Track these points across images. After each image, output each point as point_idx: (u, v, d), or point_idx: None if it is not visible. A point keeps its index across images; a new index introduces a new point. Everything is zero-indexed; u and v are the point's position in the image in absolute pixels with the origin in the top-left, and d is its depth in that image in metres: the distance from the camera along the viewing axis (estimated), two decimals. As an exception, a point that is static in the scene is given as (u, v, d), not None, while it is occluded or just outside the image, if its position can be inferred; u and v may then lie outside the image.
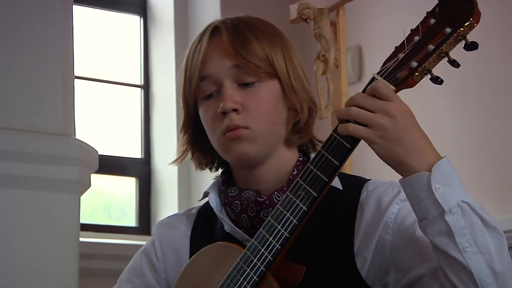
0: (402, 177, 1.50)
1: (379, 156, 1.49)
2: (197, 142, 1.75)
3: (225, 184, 1.74)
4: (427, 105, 3.44)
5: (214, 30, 1.69)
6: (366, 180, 1.71)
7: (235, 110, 1.64)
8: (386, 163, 1.50)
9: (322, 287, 1.61)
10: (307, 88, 1.72)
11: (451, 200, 1.45)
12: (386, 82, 1.50)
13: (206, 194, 1.77)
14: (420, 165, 1.46)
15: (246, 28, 1.68)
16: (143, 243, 3.63)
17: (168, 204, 3.86)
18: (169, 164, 1.83)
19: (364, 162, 1.56)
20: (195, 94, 1.69)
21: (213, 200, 1.73)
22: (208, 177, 4.08)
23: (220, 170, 1.79)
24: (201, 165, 1.78)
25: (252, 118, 1.64)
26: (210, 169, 1.79)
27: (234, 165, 1.71)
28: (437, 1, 1.50)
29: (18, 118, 2.66)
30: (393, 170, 1.51)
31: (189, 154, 1.78)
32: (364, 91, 1.51)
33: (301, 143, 1.73)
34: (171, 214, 1.87)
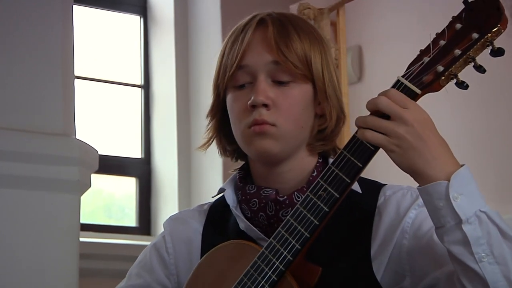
0: (419, 184, 1.49)
1: (396, 164, 1.48)
2: (223, 130, 1.74)
3: (242, 181, 1.73)
4: (428, 105, 3.44)
5: (260, 22, 1.68)
6: (383, 185, 1.71)
7: (265, 105, 1.63)
8: (403, 171, 1.49)
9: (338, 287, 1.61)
10: (339, 96, 1.71)
11: (468, 210, 1.45)
12: (412, 85, 1.49)
13: (221, 190, 1.75)
14: (437, 173, 1.46)
15: (290, 26, 1.67)
16: (143, 243, 3.64)
17: (168, 204, 3.86)
18: (196, 149, 1.81)
19: (376, 164, 1.56)
20: (227, 82, 1.68)
21: (230, 197, 1.72)
22: (209, 178, 4.09)
23: (239, 161, 1.78)
24: (226, 153, 1.77)
25: (280, 116, 1.64)
26: (232, 158, 1.78)
27: (253, 159, 1.70)
28: (463, 6, 1.50)
29: (18, 118, 2.66)
30: (403, 174, 1.51)
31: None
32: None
33: (324, 150, 1.72)
34: (182, 210, 1.86)
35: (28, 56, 2.68)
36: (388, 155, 1.48)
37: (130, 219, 3.94)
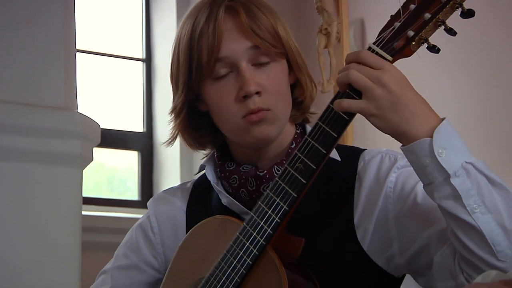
0: (402, 144, 1.48)
1: (378, 128, 1.47)
2: (189, 125, 1.73)
3: (220, 159, 1.73)
4: (428, 80, 3.43)
5: (227, 8, 1.64)
6: (362, 150, 1.70)
7: (257, 93, 1.61)
8: (386, 133, 1.48)
9: (322, 259, 1.60)
10: (306, 63, 1.71)
11: (455, 163, 1.44)
12: (383, 52, 1.48)
13: (202, 167, 1.76)
14: (420, 131, 1.45)
15: (253, 6, 1.65)
16: (146, 216, 3.63)
17: (170, 177, 3.86)
18: (162, 145, 1.81)
19: (365, 131, 1.54)
20: (205, 76, 1.65)
21: (210, 173, 1.73)
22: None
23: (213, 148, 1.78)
24: (194, 147, 1.76)
25: (272, 99, 1.63)
26: (204, 149, 1.77)
27: (246, 146, 1.69)
28: None
29: (20, 92, 2.66)
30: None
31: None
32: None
33: (303, 118, 1.73)
34: (165, 189, 1.87)
35: (30, 30, 2.68)
36: (369, 120, 1.46)
37: (132, 193, 3.95)
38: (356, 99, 1.46)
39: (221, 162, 1.72)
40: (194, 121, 1.73)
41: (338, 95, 1.49)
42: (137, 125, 4.02)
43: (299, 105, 1.71)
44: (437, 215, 1.52)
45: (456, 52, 3.43)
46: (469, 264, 1.47)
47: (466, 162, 1.44)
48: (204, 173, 1.75)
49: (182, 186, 1.83)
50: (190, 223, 1.72)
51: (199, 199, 1.77)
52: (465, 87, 3.51)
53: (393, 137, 1.48)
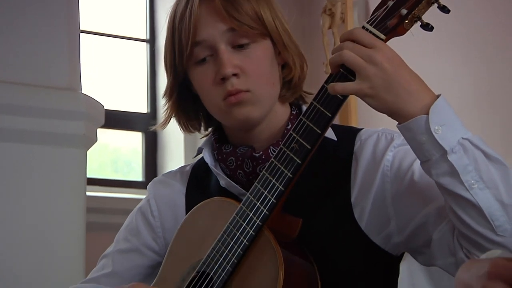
0: (398, 122, 1.47)
1: (373, 108, 1.47)
2: (181, 108, 1.75)
3: (218, 142, 1.74)
4: (430, 60, 3.43)
5: None
6: (359, 130, 1.70)
7: (235, 74, 1.62)
8: (383, 113, 1.48)
9: (320, 239, 1.61)
10: (295, 42, 1.71)
11: (451, 139, 1.43)
12: (377, 30, 1.48)
13: (200, 150, 1.77)
14: (415, 109, 1.44)
15: None
16: (150, 197, 3.63)
17: (174, 158, 3.87)
18: (152, 129, 1.82)
19: (370, 110, 1.54)
20: (186, 60, 1.67)
21: (208, 156, 1.73)
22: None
23: (209, 130, 1.79)
24: (188, 129, 1.78)
25: (252, 81, 1.63)
26: (198, 131, 1.79)
27: (233, 128, 1.70)
28: None
29: (24, 73, 2.66)
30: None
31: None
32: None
33: (294, 98, 1.73)
34: (165, 172, 1.88)
35: (34, 10, 2.68)
36: (364, 101, 1.47)
37: (136, 174, 3.96)
38: (350, 78, 1.47)
39: (219, 144, 1.73)
40: (186, 104, 1.74)
41: (333, 75, 1.49)
42: (141, 106, 4.02)
43: (289, 84, 1.71)
44: (435, 192, 1.52)
45: (456, 30, 3.42)
46: (468, 240, 1.47)
47: (462, 138, 1.44)
48: (202, 156, 1.76)
49: (181, 169, 1.84)
50: (189, 205, 1.73)
51: (198, 182, 1.77)
52: (466, 64, 3.50)
53: (389, 116, 1.48)
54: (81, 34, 2.86)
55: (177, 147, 3.89)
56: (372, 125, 1.89)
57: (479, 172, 1.43)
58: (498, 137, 3.34)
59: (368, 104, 1.47)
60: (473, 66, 3.49)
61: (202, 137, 1.79)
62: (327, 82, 1.49)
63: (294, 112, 1.71)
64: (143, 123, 3.96)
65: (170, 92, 1.74)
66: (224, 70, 1.61)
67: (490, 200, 1.43)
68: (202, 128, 1.79)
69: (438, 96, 1.45)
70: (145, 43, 4.10)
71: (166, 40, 1.73)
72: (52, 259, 2.63)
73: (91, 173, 3.43)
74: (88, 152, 2.78)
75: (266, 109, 1.67)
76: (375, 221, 1.61)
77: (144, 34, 4.10)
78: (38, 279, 2.61)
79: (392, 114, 1.47)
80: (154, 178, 1.87)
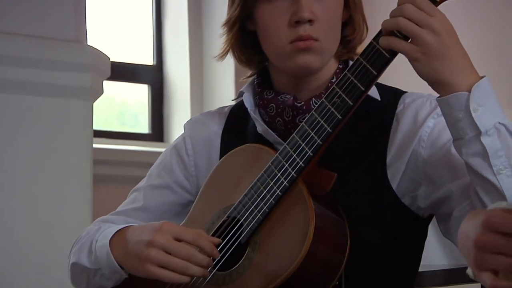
0: (439, 95, 1.48)
1: (418, 73, 1.47)
2: (240, 41, 1.73)
3: (260, 87, 1.73)
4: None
5: None
6: (403, 92, 1.70)
7: (309, 20, 1.61)
8: (425, 81, 1.48)
9: (352, 194, 1.62)
10: (362, 2, 1.71)
11: (488, 121, 1.44)
12: None
13: (241, 94, 1.76)
14: (460, 84, 1.44)
15: None
16: (156, 149, 3.66)
17: (180, 111, 3.87)
18: (214, 58, 1.80)
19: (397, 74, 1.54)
20: None
21: (248, 100, 1.73)
22: (221, 84, 4.09)
23: (248, 74, 1.78)
24: (242, 62, 1.77)
25: (323, 30, 1.62)
26: (251, 68, 1.77)
27: (286, 73, 1.69)
28: None
29: (29, 24, 2.65)
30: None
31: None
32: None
33: (348, 57, 1.72)
34: (203, 112, 1.87)
35: (39, -39, 2.66)
36: (412, 64, 1.46)
37: (143, 126, 3.96)
38: (401, 39, 1.45)
39: (261, 89, 1.72)
40: (245, 38, 1.72)
41: (381, 34, 1.48)
42: (147, 58, 4.01)
43: (347, 44, 1.71)
44: (465, 171, 1.51)
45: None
46: None
47: (499, 122, 1.45)
48: (242, 100, 1.75)
49: (219, 110, 1.83)
50: (224, 148, 1.74)
51: (234, 125, 1.77)
52: (478, 19, 3.48)
53: (431, 86, 1.48)
54: (87, -14, 2.84)
55: (184, 99, 3.88)
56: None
57: (510, 159, 1.44)
58: (506, 91, 3.33)
59: (415, 68, 1.46)
60: (484, 17, 3.47)
61: (243, 79, 1.78)
62: (375, 39, 1.48)
63: (340, 66, 1.70)
64: (149, 76, 3.95)
65: (232, 24, 1.71)
66: (302, 13, 1.60)
67: None
68: (253, 67, 1.76)
69: (482, 77, 1.45)
70: (151, -5, 4.07)
71: None
72: (59, 211, 2.64)
73: (98, 126, 3.43)
74: (95, 104, 2.78)
75: (325, 62, 1.66)
76: (406, 183, 1.62)
77: (150, -15, 4.07)
78: (45, 231, 2.62)
79: (436, 84, 1.47)
80: (192, 117, 1.86)
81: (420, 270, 1.73)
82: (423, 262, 1.73)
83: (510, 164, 1.44)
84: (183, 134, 1.82)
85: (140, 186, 1.82)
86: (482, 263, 1.08)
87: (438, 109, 1.60)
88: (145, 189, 1.81)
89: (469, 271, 1.14)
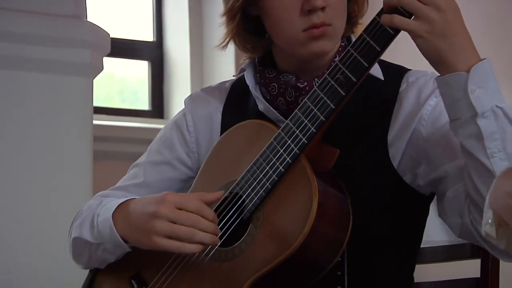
0: (440, 74, 1.47)
1: (421, 51, 1.46)
2: (244, 30, 1.70)
3: (261, 65, 1.72)
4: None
5: None
6: (407, 70, 1.69)
7: (322, 8, 1.59)
8: (427, 59, 1.47)
9: (354, 172, 1.61)
10: None
11: (485, 104, 1.43)
12: None
13: (242, 71, 1.75)
14: (461, 64, 1.44)
15: None
16: (156, 126, 3.66)
17: (180, 87, 3.86)
18: (215, 47, 1.77)
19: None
20: None
21: (249, 78, 1.72)
22: (221, 61, 4.08)
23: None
24: (246, 51, 1.74)
25: (335, 15, 1.61)
26: (254, 54, 1.75)
27: (299, 58, 1.66)
28: None
29: (29, 0, 2.64)
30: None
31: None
32: None
33: (350, 32, 1.71)
34: (204, 87, 1.85)
35: None
36: (415, 41, 1.45)
37: (143, 103, 3.95)
38: (405, 15, 1.44)
39: (262, 67, 1.71)
40: (248, 25, 1.70)
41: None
42: (147, 35, 3.99)
43: (350, 20, 1.70)
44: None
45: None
46: (477, 207, 1.48)
47: (496, 105, 1.44)
48: (243, 76, 1.73)
49: (220, 85, 1.82)
50: (225, 124, 1.73)
51: (235, 101, 1.76)
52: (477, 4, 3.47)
53: (432, 64, 1.47)
54: (86, -39, 2.82)
55: (184, 76, 3.87)
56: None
57: (504, 142, 1.43)
58: (507, 65, 3.32)
59: (418, 46, 1.45)
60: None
61: (244, 59, 1.76)
62: (379, 15, 1.47)
63: (343, 44, 1.69)
64: (149, 52, 3.94)
65: (234, 13, 1.68)
66: (315, 1, 1.58)
67: None
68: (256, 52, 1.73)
69: (483, 59, 1.45)
70: (150, -29, 4.05)
71: None
72: (59, 187, 2.64)
73: (98, 102, 3.42)
74: (95, 81, 2.78)
75: (337, 43, 1.66)
76: (407, 161, 1.61)
77: (149, -39, 4.05)
78: (45, 207, 2.62)
79: (437, 62, 1.46)
80: (192, 92, 1.85)
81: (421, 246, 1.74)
82: (423, 238, 1.73)
83: (505, 148, 1.44)
84: (183, 109, 1.81)
85: (141, 162, 1.82)
86: None
87: None
88: (145, 165, 1.80)
89: (487, 228, 1.12)
